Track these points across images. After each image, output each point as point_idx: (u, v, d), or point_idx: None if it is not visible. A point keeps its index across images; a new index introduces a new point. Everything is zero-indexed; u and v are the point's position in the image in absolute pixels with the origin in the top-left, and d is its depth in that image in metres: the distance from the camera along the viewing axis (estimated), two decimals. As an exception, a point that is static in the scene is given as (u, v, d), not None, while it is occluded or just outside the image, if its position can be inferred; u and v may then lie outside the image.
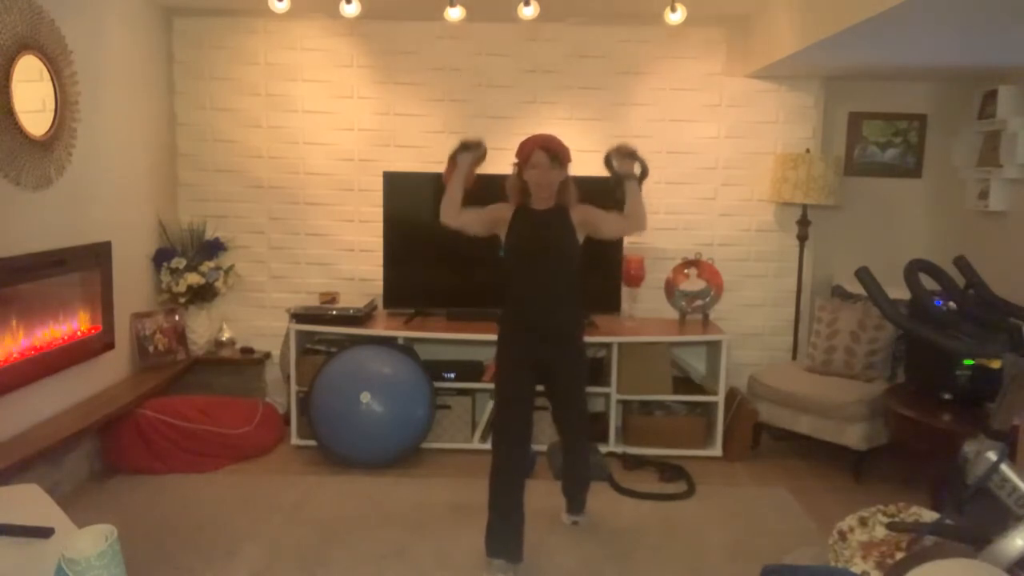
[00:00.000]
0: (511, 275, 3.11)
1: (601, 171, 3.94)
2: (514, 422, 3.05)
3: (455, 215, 3.13)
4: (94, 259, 3.79)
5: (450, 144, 4.56)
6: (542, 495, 3.70)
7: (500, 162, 4.71)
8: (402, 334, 4.24)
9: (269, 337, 4.66)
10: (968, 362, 3.58)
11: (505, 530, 2.97)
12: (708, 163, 4.66)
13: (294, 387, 4.26)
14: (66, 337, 3.63)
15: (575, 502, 3.48)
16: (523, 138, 3.17)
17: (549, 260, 3.08)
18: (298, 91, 4.61)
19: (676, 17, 3.97)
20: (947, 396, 3.67)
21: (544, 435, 4.21)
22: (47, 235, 3.43)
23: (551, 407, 3.35)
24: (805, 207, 4.52)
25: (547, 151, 3.03)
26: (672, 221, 4.68)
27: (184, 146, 4.67)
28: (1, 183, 3.12)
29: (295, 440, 4.28)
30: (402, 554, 3.13)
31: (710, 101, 4.61)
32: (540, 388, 3.20)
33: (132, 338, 4.23)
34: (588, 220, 3.11)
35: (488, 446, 4.16)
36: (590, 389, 4.26)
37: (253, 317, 4.74)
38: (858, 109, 4.69)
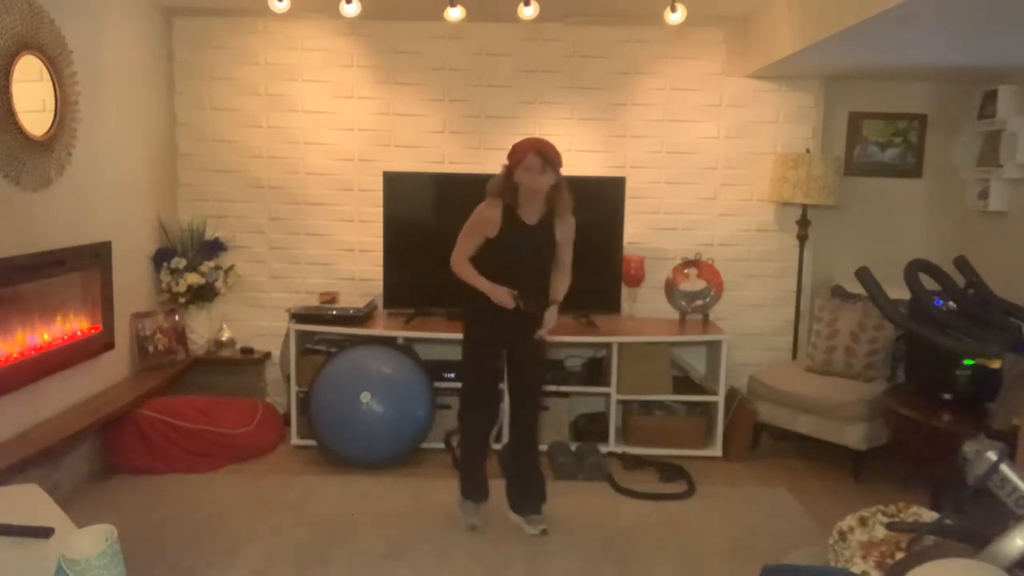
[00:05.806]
0: (489, 270, 3.17)
1: (594, 171, 3.88)
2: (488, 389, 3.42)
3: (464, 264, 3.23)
4: (94, 259, 3.79)
5: (449, 143, 4.61)
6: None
7: (499, 162, 4.72)
8: (402, 334, 4.23)
9: (269, 337, 4.66)
10: (968, 362, 3.58)
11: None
12: (708, 163, 4.66)
13: (294, 387, 4.26)
14: (66, 337, 3.63)
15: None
16: (519, 139, 3.18)
17: (526, 271, 3.19)
18: (298, 91, 4.61)
19: (676, 17, 3.97)
20: (947, 396, 3.67)
21: (543, 435, 4.21)
22: (47, 235, 3.42)
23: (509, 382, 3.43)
24: (805, 207, 4.52)
25: (541, 155, 3.05)
26: (672, 221, 4.68)
27: (184, 146, 4.66)
28: (1, 183, 3.12)
29: (295, 440, 4.28)
30: (402, 554, 3.13)
31: (710, 101, 4.61)
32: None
33: (132, 338, 4.23)
34: (561, 244, 3.22)
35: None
36: (591, 389, 4.30)
37: (253, 317, 4.74)
38: (858, 109, 4.69)
